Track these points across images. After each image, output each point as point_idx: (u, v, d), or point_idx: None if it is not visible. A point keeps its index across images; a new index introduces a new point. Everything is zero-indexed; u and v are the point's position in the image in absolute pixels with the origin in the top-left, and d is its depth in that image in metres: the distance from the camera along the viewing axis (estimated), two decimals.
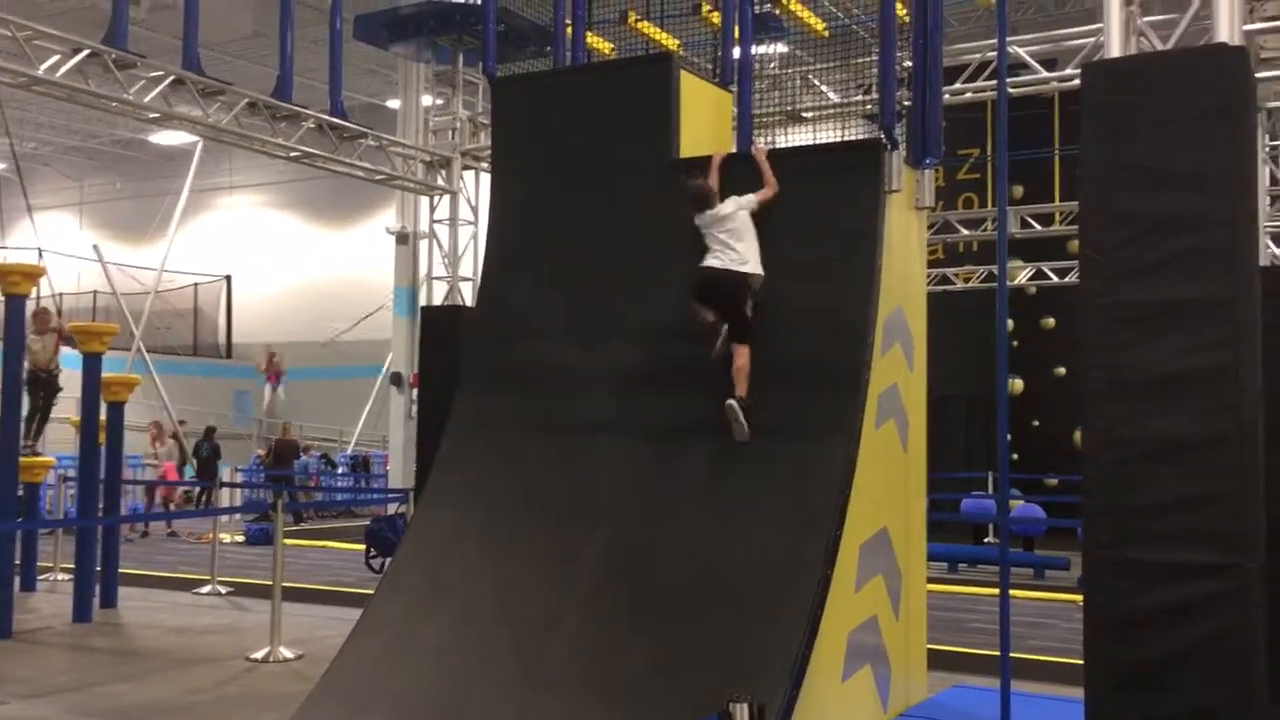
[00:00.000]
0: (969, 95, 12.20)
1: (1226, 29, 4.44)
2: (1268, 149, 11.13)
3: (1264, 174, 10.79)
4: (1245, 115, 4.28)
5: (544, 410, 6.77)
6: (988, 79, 11.78)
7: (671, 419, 6.37)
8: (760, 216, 6.34)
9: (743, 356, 6.12)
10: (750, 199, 6.36)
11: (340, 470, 24.02)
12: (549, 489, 6.51)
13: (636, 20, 9.26)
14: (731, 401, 6.03)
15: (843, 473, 5.73)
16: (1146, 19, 5.03)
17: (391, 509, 13.89)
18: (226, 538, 16.26)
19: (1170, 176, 4.23)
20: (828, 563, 5.50)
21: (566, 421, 6.66)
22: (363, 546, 13.18)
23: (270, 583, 8.78)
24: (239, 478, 21.24)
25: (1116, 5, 4.60)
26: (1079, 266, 4.60)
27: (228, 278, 31.52)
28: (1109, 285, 4.28)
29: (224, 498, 18.37)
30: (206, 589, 11.85)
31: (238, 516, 17.70)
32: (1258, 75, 8.53)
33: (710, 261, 6.23)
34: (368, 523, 13.95)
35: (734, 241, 6.21)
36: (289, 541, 13.28)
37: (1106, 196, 4.29)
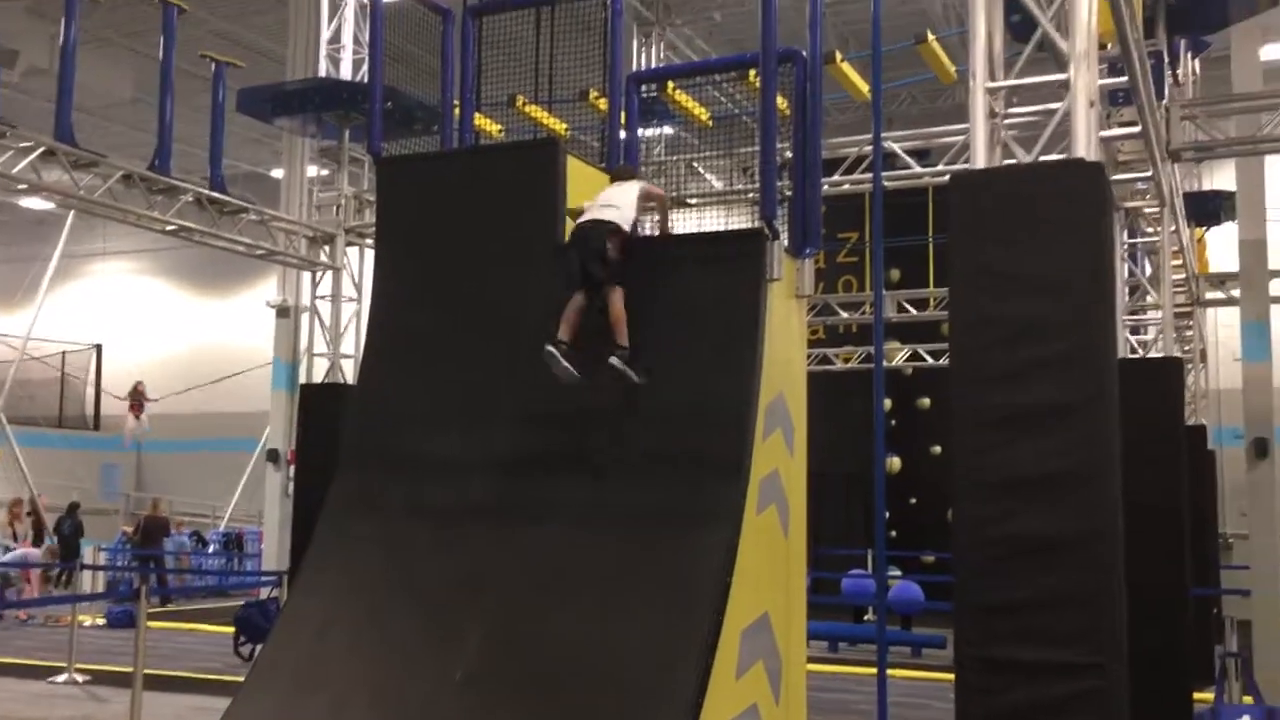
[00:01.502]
0: (847, 187, 12.60)
1: (1084, 143, 4.68)
2: (1125, 246, 11.71)
3: (1123, 270, 11.35)
4: (1101, 224, 4.52)
5: (423, 495, 6.66)
6: (864, 171, 12.19)
7: (552, 505, 6.33)
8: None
9: (616, 304, 6.29)
10: (648, 189, 6.70)
11: (212, 549, 23.22)
12: (427, 576, 6.38)
13: (525, 104, 9.36)
14: (612, 360, 6.17)
15: (724, 559, 5.75)
16: (1009, 118, 5.26)
17: (264, 592, 13.43)
18: (86, 620, 15.54)
19: (1032, 283, 4.45)
20: (709, 651, 5.49)
21: (446, 507, 6.56)
22: (232, 629, 12.70)
23: (131, 670, 8.41)
24: (103, 557, 20.32)
25: (981, 118, 4.83)
26: (949, 368, 4.77)
27: (98, 346, 30.51)
28: (974, 388, 4.45)
29: (86, 579, 17.54)
30: (63, 677, 11.28)
31: None
32: (1115, 177, 9.03)
33: (582, 219, 6.48)
34: (240, 604, 13.47)
35: (608, 204, 6.49)
36: (154, 624, 12.76)
37: (972, 301, 4.48)
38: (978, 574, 4.38)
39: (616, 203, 6.53)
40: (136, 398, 25.02)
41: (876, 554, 6.17)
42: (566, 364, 6.19)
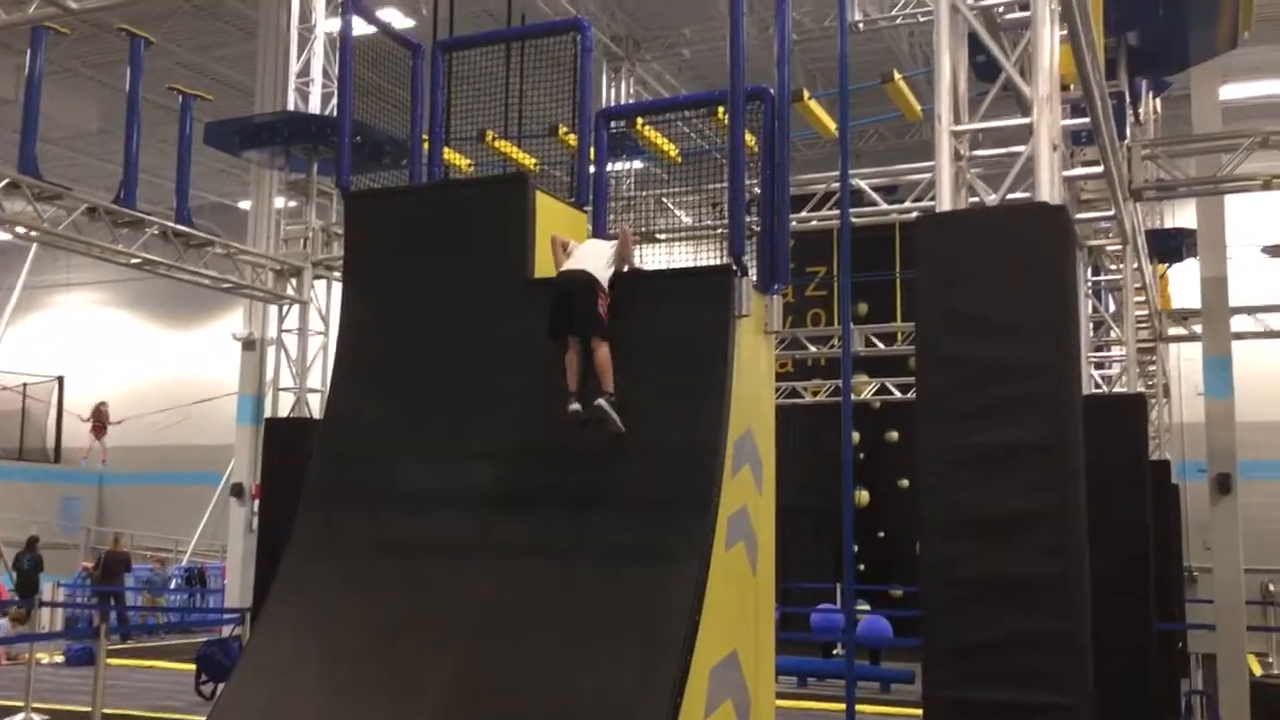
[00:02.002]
0: (815, 223, 12.68)
1: (1047, 187, 4.74)
2: (1089, 284, 11.86)
3: (1087, 307, 11.48)
4: (1065, 265, 4.58)
5: (390, 532, 6.61)
6: (832, 208, 12.28)
7: (521, 541, 6.29)
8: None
9: (602, 352, 6.33)
10: (621, 249, 6.70)
11: (173, 584, 22.85)
12: (394, 614, 6.32)
13: (494, 139, 9.38)
14: (600, 401, 6.18)
15: (693, 596, 5.73)
16: (974, 159, 5.32)
17: (226, 630, 13.24)
18: (44, 658, 15.23)
19: (997, 323, 4.50)
20: (677, 689, 5.46)
21: (413, 544, 6.51)
22: (194, 667, 12.49)
23: (90, 709, 8.26)
24: (62, 593, 19.93)
25: (946, 161, 4.88)
26: (916, 407, 4.80)
27: (60, 378, 30.14)
28: (942, 428, 4.48)
29: (44, 616, 17.20)
30: (19, 717, 11.02)
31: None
32: (1079, 216, 9.15)
33: (567, 267, 6.56)
34: (201, 641, 13.25)
35: (592, 255, 6.58)
36: (114, 662, 12.54)
37: (939, 341, 4.52)
38: (945, 614, 4.39)
39: (599, 258, 6.59)
40: (99, 419, 24.77)
41: (845, 588, 6.16)
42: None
